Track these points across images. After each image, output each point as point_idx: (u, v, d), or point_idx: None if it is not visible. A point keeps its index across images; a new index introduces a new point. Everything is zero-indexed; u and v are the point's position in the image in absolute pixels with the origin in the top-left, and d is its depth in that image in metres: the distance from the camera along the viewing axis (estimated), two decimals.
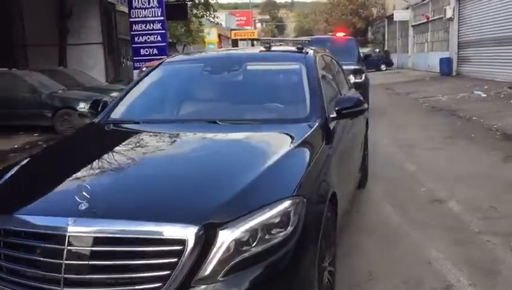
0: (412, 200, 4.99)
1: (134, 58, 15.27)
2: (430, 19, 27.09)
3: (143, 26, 15.17)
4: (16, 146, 9.15)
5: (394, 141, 8.12)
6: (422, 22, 28.61)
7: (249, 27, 67.01)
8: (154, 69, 3.89)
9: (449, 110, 11.56)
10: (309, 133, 2.92)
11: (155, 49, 15.01)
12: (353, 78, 10.13)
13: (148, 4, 15.16)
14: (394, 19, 33.08)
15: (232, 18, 66.65)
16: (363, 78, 10.39)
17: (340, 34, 11.89)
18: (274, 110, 3.36)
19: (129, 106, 3.56)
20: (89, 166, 2.52)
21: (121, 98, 3.65)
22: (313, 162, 2.61)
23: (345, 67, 10.16)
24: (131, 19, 15.30)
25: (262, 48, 4.05)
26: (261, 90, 3.58)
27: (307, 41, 4.38)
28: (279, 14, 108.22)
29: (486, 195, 5.00)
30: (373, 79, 23.39)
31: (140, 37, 15.29)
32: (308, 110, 3.20)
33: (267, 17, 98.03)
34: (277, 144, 2.77)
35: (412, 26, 31.14)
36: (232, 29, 57.77)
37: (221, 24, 49.20)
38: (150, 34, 15.24)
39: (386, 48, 37.67)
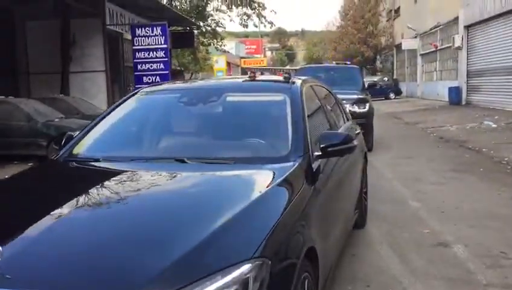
0: (414, 243, 4.55)
1: (136, 85, 15.08)
2: (439, 47, 26.85)
3: (146, 54, 15.04)
4: (6, 176, 8.85)
5: (399, 175, 7.69)
6: (431, 50, 28.38)
7: (258, 55, 67.46)
8: (127, 99, 3.56)
9: (458, 141, 11.12)
10: (286, 174, 2.55)
11: (157, 77, 14.83)
12: (356, 108, 9.81)
13: (152, 32, 15.06)
14: (402, 48, 32.92)
15: (242, 46, 67.20)
16: (367, 107, 10.03)
17: (343, 63, 11.56)
18: (251, 147, 3.00)
19: (94, 141, 3.23)
20: (18, 217, 2.16)
21: (87, 131, 3.31)
22: (286, 211, 2.23)
23: (347, 96, 9.98)
24: (134, 47, 15.19)
25: (246, 78, 3.73)
26: (239, 125, 3.23)
27: (291, 71, 4.03)
28: (289, 43, 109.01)
29: (496, 238, 4.55)
30: (381, 108, 23.21)
31: (144, 65, 15.15)
32: (289, 148, 2.84)
33: (277, 45, 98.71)
34: (247, 189, 2.40)
35: (420, 54, 30.92)
36: (241, 57, 58.18)
37: (230, 52, 49.53)
38: (153, 62, 15.08)
39: (395, 77, 37.45)
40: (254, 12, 23.88)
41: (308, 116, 3.28)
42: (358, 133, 4.88)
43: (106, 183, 2.54)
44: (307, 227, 2.38)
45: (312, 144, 2.96)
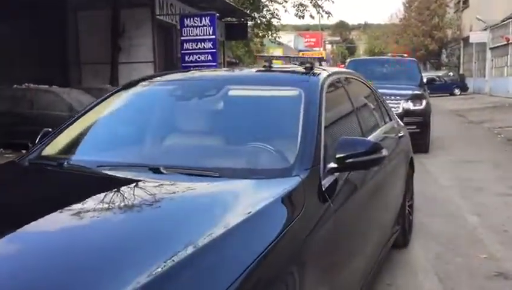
0: (467, 270, 3.74)
1: None
2: (511, 41, 24.80)
3: (194, 45, 14.67)
4: None
5: (456, 182, 6.75)
6: (502, 44, 26.33)
7: (318, 48, 66.06)
8: (113, 93, 3.00)
9: None
10: (278, 196, 1.89)
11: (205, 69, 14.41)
12: (411, 105, 8.90)
13: (200, 22, 14.65)
14: (470, 41, 30.87)
15: (301, 39, 66.10)
16: (423, 104, 9.07)
17: (398, 55, 10.58)
18: (246, 155, 2.35)
19: (66, 141, 2.71)
20: None
21: (62, 129, 2.79)
22: (264, 254, 1.57)
23: (401, 92, 9.07)
24: (182, 37, 14.86)
25: (261, 68, 3.08)
26: (236, 126, 2.59)
27: (315, 60, 3.31)
28: (350, 36, 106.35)
29: None
30: (444, 104, 21.71)
31: (191, 56, 14.79)
32: (293, 158, 2.17)
33: (338, 38, 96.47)
34: (223, 216, 1.75)
35: (490, 48, 28.83)
36: (299, 51, 57.20)
37: (288, 45, 48.69)
38: (201, 53, 14.69)
39: (461, 72, 35.30)
40: (311, 2, 22.97)
41: (330, 117, 2.59)
42: (402, 136, 4.09)
43: (61, 196, 2.03)
44: (301, 275, 1.70)
45: (328, 153, 2.28)
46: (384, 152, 2.34)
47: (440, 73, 33.80)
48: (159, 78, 3.13)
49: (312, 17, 24.79)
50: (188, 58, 14.80)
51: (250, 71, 3.39)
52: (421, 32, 39.31)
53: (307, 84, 2.65)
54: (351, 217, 2.43)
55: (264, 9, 24.47)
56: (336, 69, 3.60)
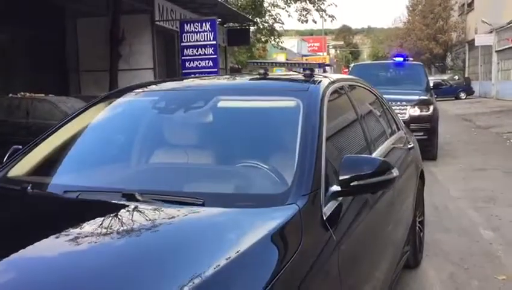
0: None
1: None
2: None
3: (194, 51, 14.37)
4: None
5: (467, 193, 6.41)
6: (508, 46, 25.93)
7: (321, 53, 65.74)
8: (92, 105, 2.69)
9: None
10: (268, 232, 1.58)
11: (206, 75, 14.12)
12: (418, 111, 8.58)
13: (201, 28, 14.36)
14: (476, 44, 30.43)
15: (304, 44, 65.78)
16: (431, 110, 8.73)
17: (400, 59, 10.22)
18: (235, 178, 2.05)
19: (36, 161, 2.41)
20: None
21: (32, 147, 2.49)
22: None
23: (407, 97, 8.72)
24: (182, 43, 14.57)
25: (255, 76, 2.78)
26: (224, 143, 2.28)
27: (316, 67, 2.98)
28: (354, 40, 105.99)
29: None
30: (450, 108, 21.32)
31: (192, 62, 14.49)
32: (289, 182, 1.86)
33: (341, 43, 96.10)
34: (198, 261, 1.44)
35: (496, 51, 28.41)
36: (303, 55, 56.89)
37: (291, 50, 48.38)
38: (202, 59, 14.39)
39: (466, 75, 34.88)
40: (314, 6, 22.66)
41: (332, 130, 2.29)
42: (411, 148, 3.77)
43: (13, 226, 1.73)
44: None
45: (330, 173, 1.97)
46: (395, 172, 2.02)
47: (445, 76, 33.40)
48: (141, 88, 2.81)
49: (315, 21, 24.48)
50: (189, 64, 14.51)
51: (243, 79, 3.08)
52: (426, 35, 38.94)
53: (306, 94, 2.35)
54: (358, 246, 2.12)
55: (267, 15, 24.20)
56: (338, 75, 3.29)
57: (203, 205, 1.78)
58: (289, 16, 23.36)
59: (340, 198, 1.97)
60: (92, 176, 2.21)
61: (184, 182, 2.05)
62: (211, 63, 14.37)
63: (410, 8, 44.89)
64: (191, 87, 2.85)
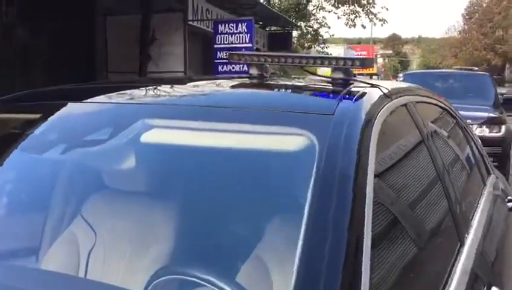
0: None
1: None
2: None
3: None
4: None
5: None
6: None
7: None
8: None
9: None
10: None
11: None
12: (487, 131, 7.02)
13: (236, 29, 13.23)
14: None
15: (351, 52, 63.89)
16: (503, 131, 7.14)
17: (468, 69, 8.66)
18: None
19: None
20: None
21: None
22: None
23: (473, 114, 7.09)
24: (215, 45, 13.46)
25: (244, 80, 1.49)
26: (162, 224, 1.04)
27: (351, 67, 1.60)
28: (403, 50, 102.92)
29: None
30: None
31: (225, 66, 13.33)
32: None
33: (390, 52, 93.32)
34: None
35: None
36: None
37: None
38: (236, 64, 13.21)
39: None
40: (363, 10, 21.10)
41: (387, 196, 0.95)
42: None
43: None
44: None
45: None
46: None
47: (504, 90, 31.01)
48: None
49: (364, 26, 22.83)
50: (222, 68, 13.37)
51: (224, 87, 1.72)
52: (483, 46, 36.60)
53: (329, 122, 1.03)
54: None
55: (312, 19, 22.83)
56: (395, 84, 1.94)
57: None
58: (338, 17, 21.75)
59: None
60: None
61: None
62: (245, 68, 13.12)
63: (467, 17, 42.48)
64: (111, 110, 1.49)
